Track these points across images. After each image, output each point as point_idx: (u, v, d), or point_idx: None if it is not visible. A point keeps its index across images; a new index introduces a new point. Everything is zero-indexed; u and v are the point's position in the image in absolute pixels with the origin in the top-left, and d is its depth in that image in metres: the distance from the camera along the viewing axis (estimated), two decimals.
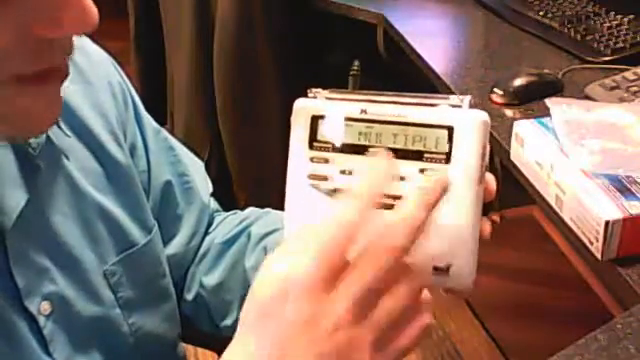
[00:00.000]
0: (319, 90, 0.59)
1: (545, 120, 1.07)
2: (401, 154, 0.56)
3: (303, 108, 0.59)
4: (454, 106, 0.56)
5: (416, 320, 0.52)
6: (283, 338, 0.48)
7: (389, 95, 0.58)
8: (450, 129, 0.55)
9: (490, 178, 0.58)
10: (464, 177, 0.55)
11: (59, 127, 0.69)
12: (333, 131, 0.58)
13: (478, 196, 0.56)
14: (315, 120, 0.58)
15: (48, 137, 0.67)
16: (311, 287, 0.48)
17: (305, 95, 0.59)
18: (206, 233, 0.89)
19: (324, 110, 0.58)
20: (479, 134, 0.55)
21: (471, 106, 0.56)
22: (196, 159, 0.90)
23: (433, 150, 0.55)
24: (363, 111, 0.57)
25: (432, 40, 1.55)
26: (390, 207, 0.55)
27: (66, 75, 0.55)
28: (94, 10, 0.51)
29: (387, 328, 0.51)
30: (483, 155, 0.55)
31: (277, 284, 0.49)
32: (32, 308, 0.64)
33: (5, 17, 0.48)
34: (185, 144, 0.90)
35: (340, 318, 0.48)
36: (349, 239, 0.50)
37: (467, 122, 0.55)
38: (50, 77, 0.54)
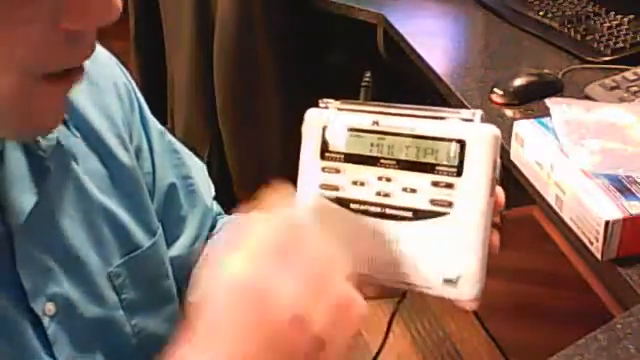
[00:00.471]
0: (330, 100, 0.60)
1: (545, 120, 1.07)
2: (413, 166, 0.57)
3: (315, 118, 0.59)
4: (466, 120, 0.56)
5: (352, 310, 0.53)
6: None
7: (401, 107, 0.58)
8: (462, 142, 0.56)
9: (500, 190, 0.59)
10: (475, 190, 0.56)
11: (67, 127, 0.69)
12: (344, 142, 0.58)
13: (488, 209, 0.56)
14: (327, 130, 0.59)
15: (57, 139, 0.67)
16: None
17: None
18: (209, 235, 0.89)
19: (336, 121, 0.59)
20: (490, 148, 0.56)
21: (483, 120, 0.56)
22: (198, 161, 0.90)
23: (445, 163, 0.56)
24: (375, 123, 0.58)
25: (432, 40, 1.55)
26: (403, 219, 0.57)
27: (82, 77, 0.56)
28: None
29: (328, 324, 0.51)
30: (494, 168, 0.56)
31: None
32: (37, 309, 0.64)
33: (36, 11, 0.49)
34: (185, 144, 0.90)
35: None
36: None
37: (479, 136, 0.56)
38: (69, 76, 0.54)
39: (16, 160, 0.64)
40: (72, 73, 0.55)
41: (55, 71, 0.53)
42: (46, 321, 0.65)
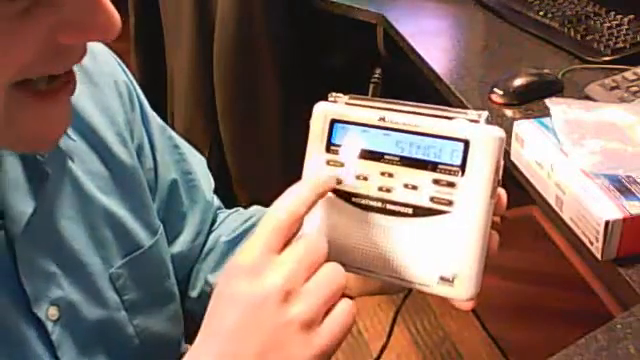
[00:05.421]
0: (339, 95, 0.60)
1: (545, 120, 1.07)
2: (416, 163, 0.57)
3: (323, 111, 0.60)
4: (472, 120, 0.57)
5: (340, 303, 0.54)
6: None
7: (409, 105, 0.59)
8: (466, 142, 0.56)
9: (502, 193, 0.59)
10: (476, 190, 0.56)
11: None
12: (350, 136, 0.59)
13: (489, 210, 0.56)
14: (334, 124, 0.59)
15: None
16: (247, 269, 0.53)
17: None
18: (210, 230, 0.89)
19: (343, 115, 0.59)
20: (494, 150, 0.56)
21: (488, 122, 0.57)
22: (199, 155, 0.90)
23: (448, 162, 0.56)
24: (381, 119, 0.58)
25: (432, 40, 1.55)
26: (403, 215, 0.57)
27: (74, 86, 0.55)
28: (118, 17, 0.51)
29: (315, 306, 0.52)
30: (497, 170, 0.56)
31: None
32: (40, 314, 0.64)
33: (35, 27, 0.48)
34: None
35: (271, 294, 0.52)
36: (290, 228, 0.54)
37: (483, 137, 0.56)
38: (61, 91, 0.54)
39: (12, 166, 0.63)
40: (61, 86, 0.54)
41: (42, 77, 0.52)
42: (50, 326, 0.65)
